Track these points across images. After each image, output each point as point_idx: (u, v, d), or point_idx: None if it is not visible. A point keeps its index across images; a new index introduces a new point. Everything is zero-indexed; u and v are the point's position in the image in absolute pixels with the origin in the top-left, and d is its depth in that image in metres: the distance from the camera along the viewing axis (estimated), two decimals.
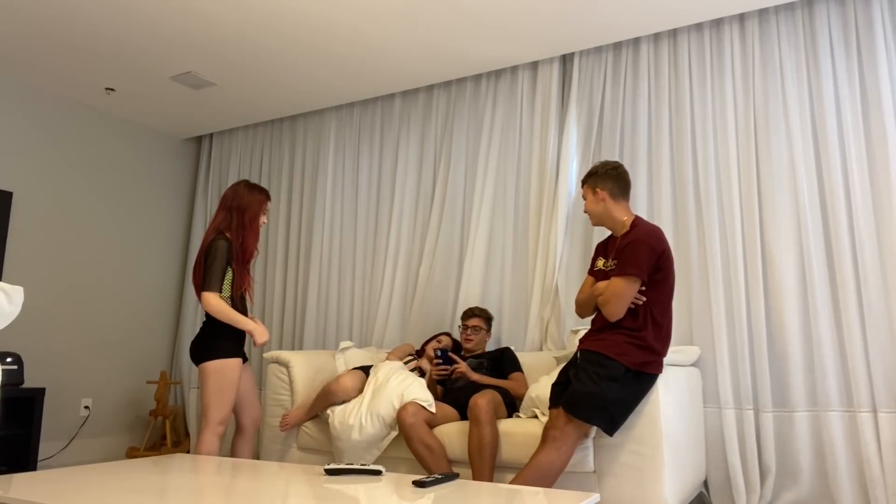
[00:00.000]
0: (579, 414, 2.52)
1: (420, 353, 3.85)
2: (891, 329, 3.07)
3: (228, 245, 2.94)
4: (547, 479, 2.48)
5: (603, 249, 2.86)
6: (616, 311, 2.57)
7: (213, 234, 2.96)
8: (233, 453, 3.08)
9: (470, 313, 3.68)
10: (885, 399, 3.02)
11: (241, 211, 3.00)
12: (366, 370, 3.56)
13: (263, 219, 3.07)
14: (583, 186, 2.80)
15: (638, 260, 2.55)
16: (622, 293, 2.56)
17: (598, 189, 2.74)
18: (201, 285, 2.90)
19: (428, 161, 4.50)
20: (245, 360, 3.04)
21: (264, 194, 3.08)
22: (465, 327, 3.66)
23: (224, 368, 2.86)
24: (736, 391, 3.33)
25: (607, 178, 2.75)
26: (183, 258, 5.59)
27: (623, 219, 2.74)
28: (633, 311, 2.60)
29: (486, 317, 3.69)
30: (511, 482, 2.45)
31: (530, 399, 3.08)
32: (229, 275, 2.95)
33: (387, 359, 3.69)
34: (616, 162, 2.79)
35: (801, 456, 3.16)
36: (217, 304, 2.87)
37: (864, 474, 3.03)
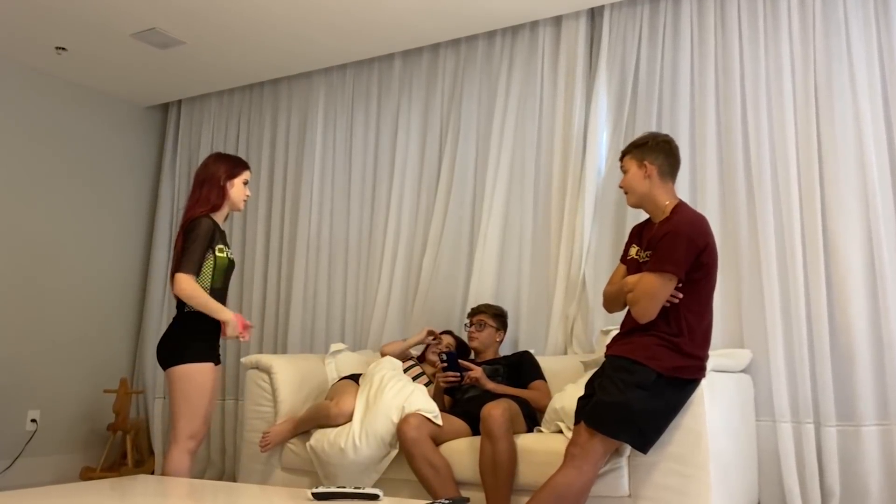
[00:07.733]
0: (603, 428, 2.53)
1: (421, 360, 3.83)
2: None
3: (212, 224, 2.95)
4: (565, 502, 2.47)
5: (637, 235, 2.85)
6: (647, 312, 2.57)
7: (193, 210, 3.00)
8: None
9: (476, 311, 3.70)
10: None
11: (212, 181, 3.06)
12: (358, 380, 3.53)
13: (245, 191, 3.11)
14: (623, 158, 2.79)
15: (675, 255, 2.54)
16: (655, 292, 2.55)
17: (646, 162, 2.72)
18: (176, 267, 2.90)
19: (433, 133, 4.49)
20: (218, 363, 3.04)
21: (239, 161, 3.14)
22: (469, 324, 3.67)
23: (193, 374, 2.87)
24: (793, 401, 3.33)
25: (659, 152, 2.73)
26: (147, 246, 5.57)
27: (665, 203, 2.72)
28: (664, 312, 2.59)
29: (495, 312, 3.68)
30: None
31: (554, 411, 3.08)
32: (210, 261, 2.94)
33: (381, 352, 3.68)
34: (667, 135, 2.77)
35: (869, 477, 3.16)
36: (190, 287, 2.88)
37: None
